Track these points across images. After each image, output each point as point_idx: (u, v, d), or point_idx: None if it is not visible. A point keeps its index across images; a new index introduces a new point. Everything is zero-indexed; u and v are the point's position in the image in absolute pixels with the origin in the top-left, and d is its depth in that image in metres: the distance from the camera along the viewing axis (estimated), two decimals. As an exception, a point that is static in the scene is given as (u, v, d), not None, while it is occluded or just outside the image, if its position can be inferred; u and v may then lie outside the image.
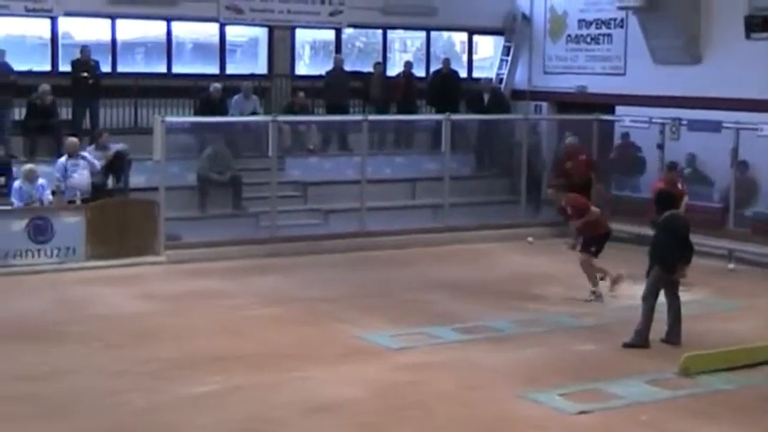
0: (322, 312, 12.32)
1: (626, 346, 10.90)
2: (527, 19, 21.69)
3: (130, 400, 9.03)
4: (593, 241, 13.22)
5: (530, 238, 17.19)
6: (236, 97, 18.42)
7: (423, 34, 21.75)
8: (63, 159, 15.64)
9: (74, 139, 15.91)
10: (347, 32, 21.01)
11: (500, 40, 22.10)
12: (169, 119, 16.14)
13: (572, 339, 11.32)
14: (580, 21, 20.66)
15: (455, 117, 18.47)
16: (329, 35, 20.77)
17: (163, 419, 8.63)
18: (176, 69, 19.20)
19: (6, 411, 8.70)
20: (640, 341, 10.91)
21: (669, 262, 11.00)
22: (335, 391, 9.33)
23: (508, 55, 21.86)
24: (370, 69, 20.21)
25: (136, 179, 16.43)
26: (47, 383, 9.47)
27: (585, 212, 13.29)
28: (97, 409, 8.79)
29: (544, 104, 21.30)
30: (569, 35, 20.87)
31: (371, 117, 18.26)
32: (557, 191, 13.78)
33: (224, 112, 18.03)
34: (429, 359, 10.49)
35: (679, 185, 14.65)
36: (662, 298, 11.05)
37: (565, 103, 20.89)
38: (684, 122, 17.48)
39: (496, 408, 9.06)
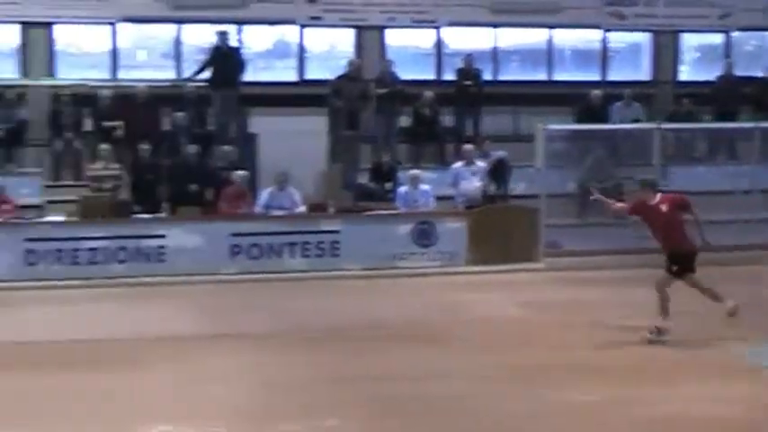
0: (702, 327, 11.56)
1: None
2: None
3: (507, 405, 8.92)
4: (673, 258, 11.05)
5: None
6: (616, 104, 18.09)
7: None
8: (458, 165, 16.06)
9: (470, 147, 16.25)
10: (735, 35, 19.96)
11: None
12: (550, 126, 16.06)
13: None
14: None
15: None
16: (715, 39, 19.87)
17: (542, 426, 8.46)
18: (556, 76, 19.13)
19: (392, 408, 8.89)
20: None
21: None
22: (711, 409, 8.68)
23: None
24: (762, 74, 19.07)
25: (516, 186, 16.61)
26: (429, 384, 9.57)
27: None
28: (478, 412, 8.78)
29: None
30: None
31: (763, 124, 17.18)
32: (599, 196, 11.85)
33: (604, 120, 17.71)
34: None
35: None
36: None
37: None
38: None
39: None
